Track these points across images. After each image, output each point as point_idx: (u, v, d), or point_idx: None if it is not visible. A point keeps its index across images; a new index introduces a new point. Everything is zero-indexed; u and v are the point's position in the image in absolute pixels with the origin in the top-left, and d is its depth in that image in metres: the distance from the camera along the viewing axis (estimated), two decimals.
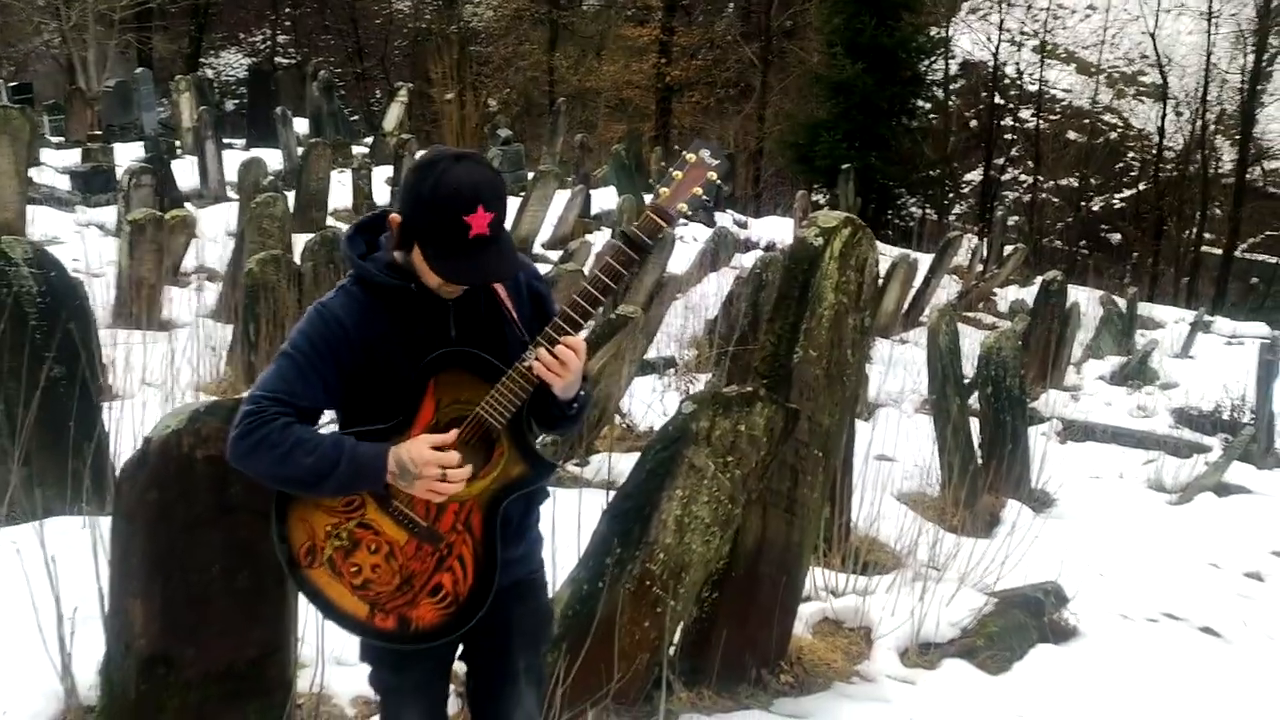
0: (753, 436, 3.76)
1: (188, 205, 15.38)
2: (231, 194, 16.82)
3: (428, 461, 2.29)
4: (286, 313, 8.37)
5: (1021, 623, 5.23)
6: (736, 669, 4.12)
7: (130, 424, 6.12)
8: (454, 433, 2.34)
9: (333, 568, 2.40)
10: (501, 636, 2.57)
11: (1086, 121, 34.16)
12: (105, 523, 3.84)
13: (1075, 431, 10.94)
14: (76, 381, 5.03)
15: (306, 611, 3.36)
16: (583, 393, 2.51)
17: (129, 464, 2.74)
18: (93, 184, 15.96)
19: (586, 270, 11.91)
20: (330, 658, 3.56)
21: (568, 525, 3.98)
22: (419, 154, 2.46)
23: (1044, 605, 5.46)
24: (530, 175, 18.98)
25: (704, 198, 2.45)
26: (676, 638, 4.04)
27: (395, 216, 2.36)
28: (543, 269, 13.36)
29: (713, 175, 2.41)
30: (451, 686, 2.89)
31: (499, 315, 2.47)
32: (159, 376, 8.04)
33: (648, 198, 14.62)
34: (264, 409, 2.31)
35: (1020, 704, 4.56)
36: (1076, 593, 5.84)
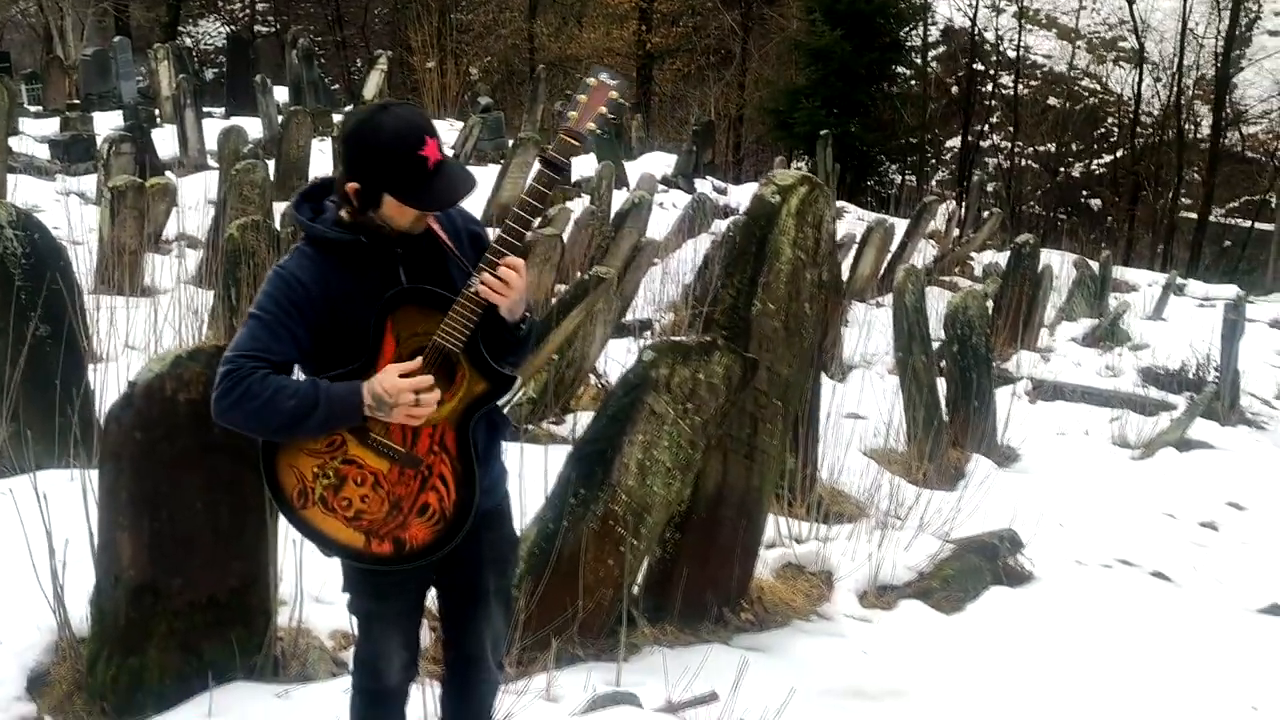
0: (711, 384, 3.95)
1: (168, 174, 15.42)
2: (211, 162, 16.86)
3: (400, 388, 2.47)
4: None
5: (976, 566, 5.45)
6: (698, 607, 4.32)
7: (115, 385, 6.29)
8: (418, 361, 2.52)
9: (325, 505, 2.58)
10: (472, 562, 2.76)
11: (1066, 87, 34.34)
12: (94, 474, 4.02)
13: (1045, 391, 11.15)
14: (62, 340, 5.19)
15: (286, 551, 3.56)
16: (528, 313, 2.68)
17: (115, 406, 2.92)
18: (72, 152, 16.02)
19: (566, 237, 12.06)
20: (309, 595, 3.75)
21: (537, 476, 4.18)
22: (345, 118, 2.68)
23: (999, 550, 5.68)
24: (510, 143, 19.09)
25: (610, 116, 2.65)
26: (641, 576, 4.24)
27: (352, 185, 2.51)
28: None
29: (614, 94, 2.62)
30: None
31: (443, 256, 2.65)
32: (141, 340, 8.19)
33: (628, 165, 14.78)
34: (240, 365, 2.47)
35: (972, 640, 4.78)
36: (1032, 539, 6.07)
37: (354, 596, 2.79)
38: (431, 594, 2.89)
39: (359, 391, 2.50)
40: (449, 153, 2.63)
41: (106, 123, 18.58)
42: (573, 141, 2.61)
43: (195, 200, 14.72)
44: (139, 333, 8.26)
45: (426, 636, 3.51)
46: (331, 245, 2.57)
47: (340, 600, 2.89)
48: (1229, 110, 28.80)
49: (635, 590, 4.23)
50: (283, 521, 3.13)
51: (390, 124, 2.50)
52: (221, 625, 3.10)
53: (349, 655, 3.56)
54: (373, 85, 21.63)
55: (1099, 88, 35.67)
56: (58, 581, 3.14)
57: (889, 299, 14.57)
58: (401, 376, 2.49)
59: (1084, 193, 33.08)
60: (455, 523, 2.62)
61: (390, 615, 2.76)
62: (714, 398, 3.97)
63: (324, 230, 2.57)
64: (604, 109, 2.61)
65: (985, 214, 21.46)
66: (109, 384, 6.21)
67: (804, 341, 4.57)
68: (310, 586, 3.73)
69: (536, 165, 2.63)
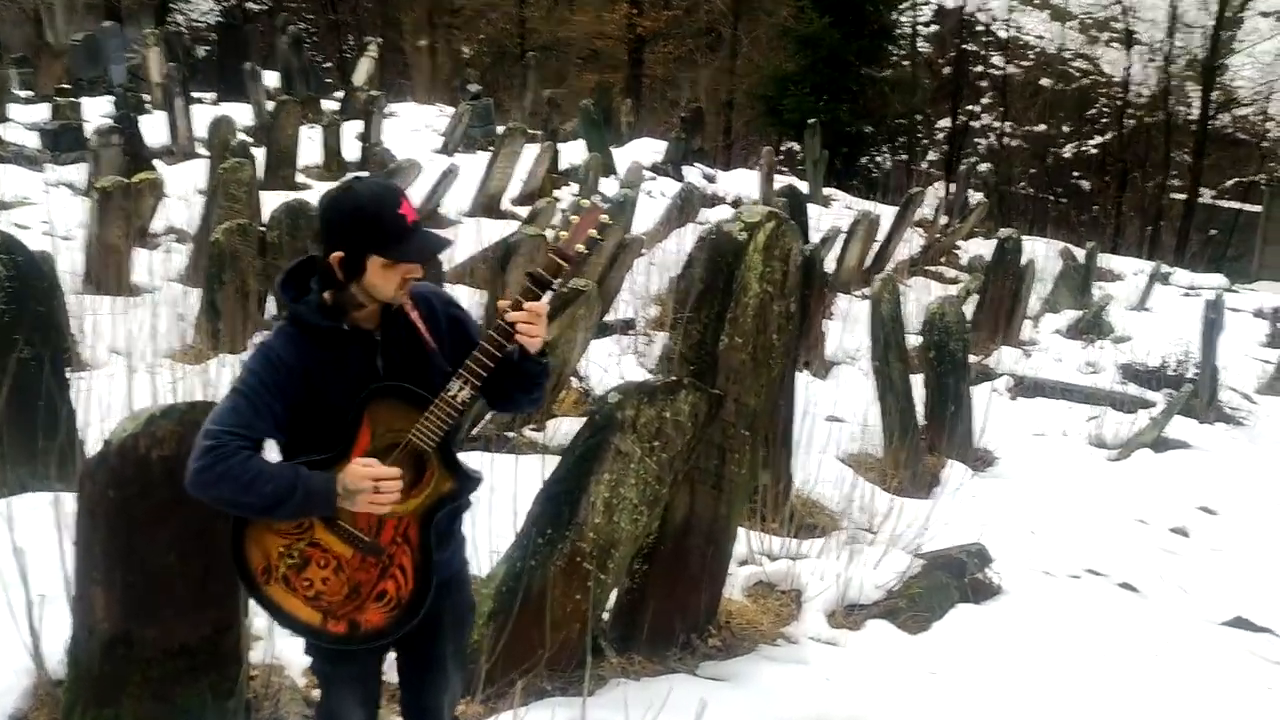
0: (678, 422, 4.04)
1: (157, 162, 15.47)
2: (201, 150, 16.89)
3: (362, 477, 2.59)
4: (252, 282, 8.60)
5: (943, 584, 5.56)
6: (666, 635, 4.43)
7: (99, 395, 6.37)
8: (382, 463, 2.63)
9: (287, 583, 2.71)
10: (431, 629, 2.87)
11: (1057, 68, 34.28)
12: (70, 499, 4.10)
13: (1026, 388, 11.26)
14: (45, 362, 5.27)
15: None
16: (546, 352, 2.83)
17: (90, 464, 3.01)
18: (61, 142, 16.01)
19: (549, 235, 12.11)
20: (281, 631, 3.85)
21: (510, 489, 4.27)
22: (321, 199, 2.79)
23: (966, 566, 5.79)
24: (500, 130, 19.12)
25: (599, 238, 2.80)
26: (610, 606, 4.34)
27: (336, 255, 2.63)
28: (510, 227, 13.57)
29: (604, 218, 2.78)
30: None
31: (419, 347, 2.77)
32: (127, 345, 8.27)
33: (616, 152, 14.78)
34: (225, 443, 2.57)
35: (934, 661, 4.89)
36: (1001, 552, 6.17)
37: (314, 658, 2.93)
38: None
39: (333, 481, 2.61)
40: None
41: (96, 109, 18.57)
42: (561, 262, 2.73)
43: (185, 190, 14.74)
44: (124, 337, 8.34)
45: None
46: (313, 329, 2.68)
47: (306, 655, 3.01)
48: (1219, 94, 28.77)
49: (604, 619, 4.34)
50: None
51: (366, 190, 2.66)
52: (195, 672, 3.20)
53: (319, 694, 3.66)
54: (363, 72, 21.65)
55: (1090, 68, 35.62)
56: (35, 632, 3.24)
57: (874, 290, 14.74)
58: (364, 466, 2.60)
59: (1075, 174, 33.09)
60: (409, 610, 2.75)
61: (348, 677, 2.89)
62: (680, 435, 4.07)
63: (306, 314, 2.68)
64: (594, 231, 2.75)
65: (973, 199, 21.54)
66: (93, 393, 6.30)
67: (772, 372, 4.67)
68: None
69: (525, 281, 2.74)
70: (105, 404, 6.27)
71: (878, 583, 5.45)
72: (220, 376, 6.96)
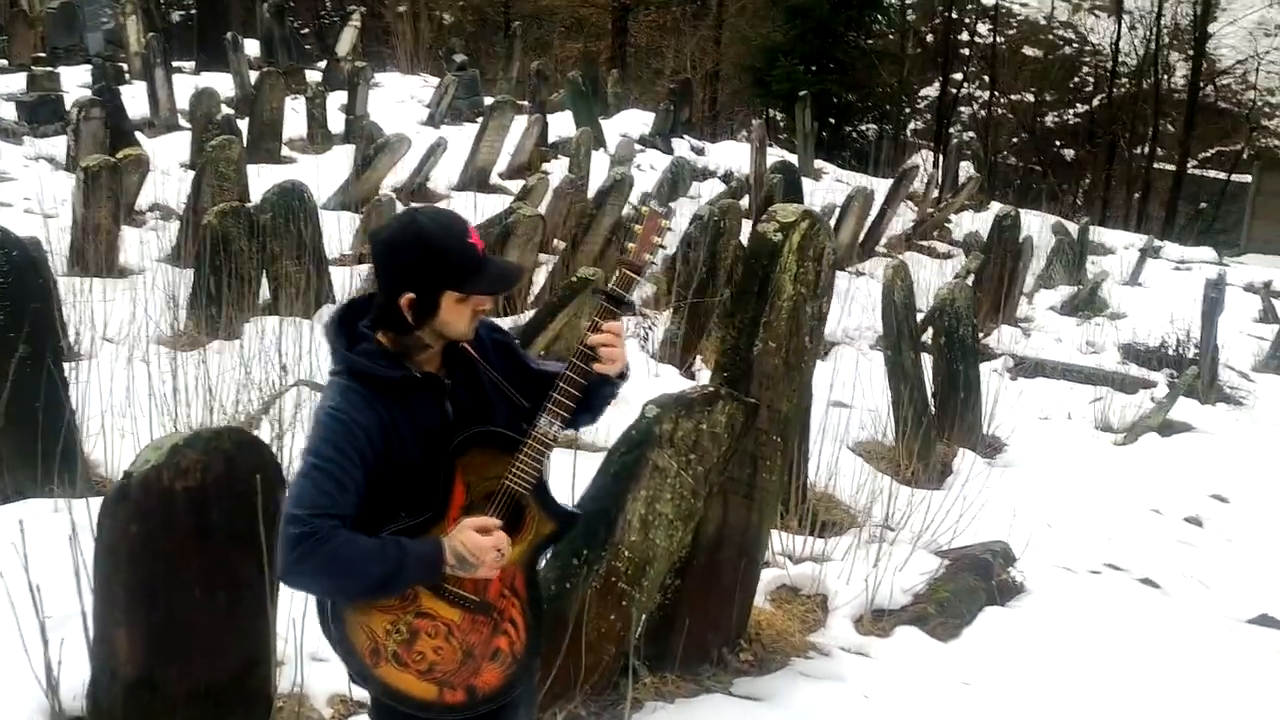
0: (714, 434, 3.89)
1: (139, 135, 15.16)
2: (183, 122, 16.57)
3: (484, 546, 2.41)
4: (246, 265, 8.37)
5: (971, 586, 5.44)
6: (699, 651, 4.28)
7: (96, 387, 6.16)
8: (492, 517, 2.46)
9: (398, 661, 2.50)
10: (508, 704, 2.68)
11: (1044, 37, 34.14)
12: (78, 506, 3.92)
13: (1026, 368, 11.15)
14: (44, 363, 5.06)
15: (284, 605, 3.48)
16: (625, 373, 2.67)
17: (110, 498, 2.82)
18: (39, 114, 15.68)
19: (544, 209, 11.89)
20: (307, 654, 3.68)
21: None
22: (373, 234, 2.54)
23: (992, 567, 5.67)
24: (487, 100, 18.82)
25: (662, 245, 2.65)
26: (640, 625, 4.19)
27: (406, 296, 2.42)
28: (503, 202, 13.35)
29: (665, 223, 2.62)
30: None
31: (480, 384, 2.59)
32: (120, 331, 8.04)
33: (604, 123, 14.51)
34: (317, 528, 2.34)
35: (968, 671, 4.77)
36: (1021, 547, 6.04)
37: None
38: None
39: (441, 550, 2.42)
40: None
41: (74, 78, 18.20)
42: (632, 274, 2.58)
43: (169, 164, 14.47)
44: (116, 323, 8.11)
45: None
46: (378, 381, 2.46)
47: (337, 659, 2.81)
48: (1204, 63, 28.68)
49: (636, 636, 4.19)
50: (284, 592, 3.07)
51: (431, 223, 2.46)
52: (221, 710, 3.04)
53: None
54: (346, 42, 21.27)
55: (1075, 37, 35.49)
56: (50, 669, 3.06)
57: (869, 266, 14.60)
58: (479, 531, 2.43)
59: (1057, 142, 33.00)
60: (526, 663, 2.61)
61: None
62: (717, 447, 3.91)
63: (369, 365, 2.47)
64: (657, 238, 2.59)
65: (964, 169, 21.40)
66: (90, 384, 6.09)
67: (804, 375, 4.51)
68: (309, 643, 3.67)
69: (599, 302, 2.58)
70: (101, 398, 6.08)
71: (904, 586, 5.31)
72: (217, 364, 6.78)
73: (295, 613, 3.36)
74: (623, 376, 2.65)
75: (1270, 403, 11.34)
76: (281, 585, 2.71)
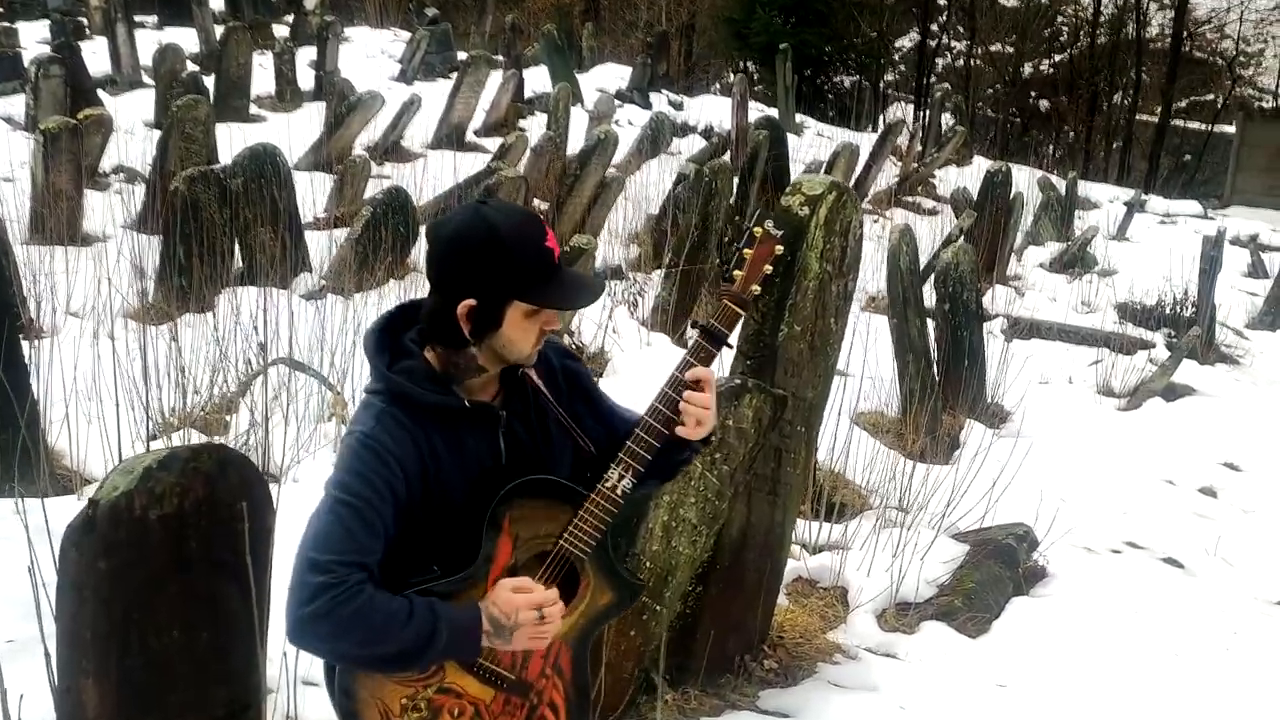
0: (740, 429, 3.56)
1: (100, 93, 14.61)
2: (147, 79, 16.01)
3: (517, 606, 2.02)
4: (218, 233, 7.95)
5: (997, 575, 5.15)
6: (721, 660, 3.97)
7: (59, 369, 5.76)
8: (540, 582, 2.09)
9: None
10: None
11: None
12: (39, 507, 3.55)
13: (1021, 329, 10.87)
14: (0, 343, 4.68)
15: (273, 625, 3.14)
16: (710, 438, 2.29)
17: (73, 529, 2.45)
18: None
19: (523, 168, 11.46)
20: (300, 677, 3.36)
21: None
22: (435, 227, 2.11)
23: (1016, 553, 5.39)
24: (460, 55, 18.31)
25: (772, 275, 2.25)
26: (662, 639, 3.87)
27: (467, 303, 2.02)
28: (480, 160, 12.91)
29: (779, 248, 2.19)
30: None
31: (544, 420, 2.20)
32: (85, 304, 7.60)
33: (580, 78, 14.05)
34: (343, 579, 1.96)
35: (1002, 671, 4.48)
36: (1039, 525, 5.76)
37: None
38: None
39: (479, 620, 2.03)
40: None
41: (32, 34, 17.59)
42: (738, 310, 2.17)
43: (132, 123, 13.95)
44: (80, 295, 7.68)
45: None
46: (422, 408, 2.06)
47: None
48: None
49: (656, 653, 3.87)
50: (276, 612, 2.72)
51: (503, 218, 2.02)
52: None
53: None
54: None
55: None
56: None
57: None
58: (516, 590, 2.03)
59: (1033, 94, 32.63)
60: None
61: None
62: (743, 443, 3.59)
63: (413, 388, 2.06)
64: (769, 267, 2.17)
65: (946, 123, 21.01)
66: (53, 366, 5.70)
67: (829, 359, 4.17)
68: (302, 666, 3.34)
69: (694, 337, 2.16)
70: (65, 379, 5.69)
71: (928, 577, 5.02)
72: (189, 340, 6.40)
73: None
74: (706, 442, 2.25)
75: (1266, 361, 11.17)
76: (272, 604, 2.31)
